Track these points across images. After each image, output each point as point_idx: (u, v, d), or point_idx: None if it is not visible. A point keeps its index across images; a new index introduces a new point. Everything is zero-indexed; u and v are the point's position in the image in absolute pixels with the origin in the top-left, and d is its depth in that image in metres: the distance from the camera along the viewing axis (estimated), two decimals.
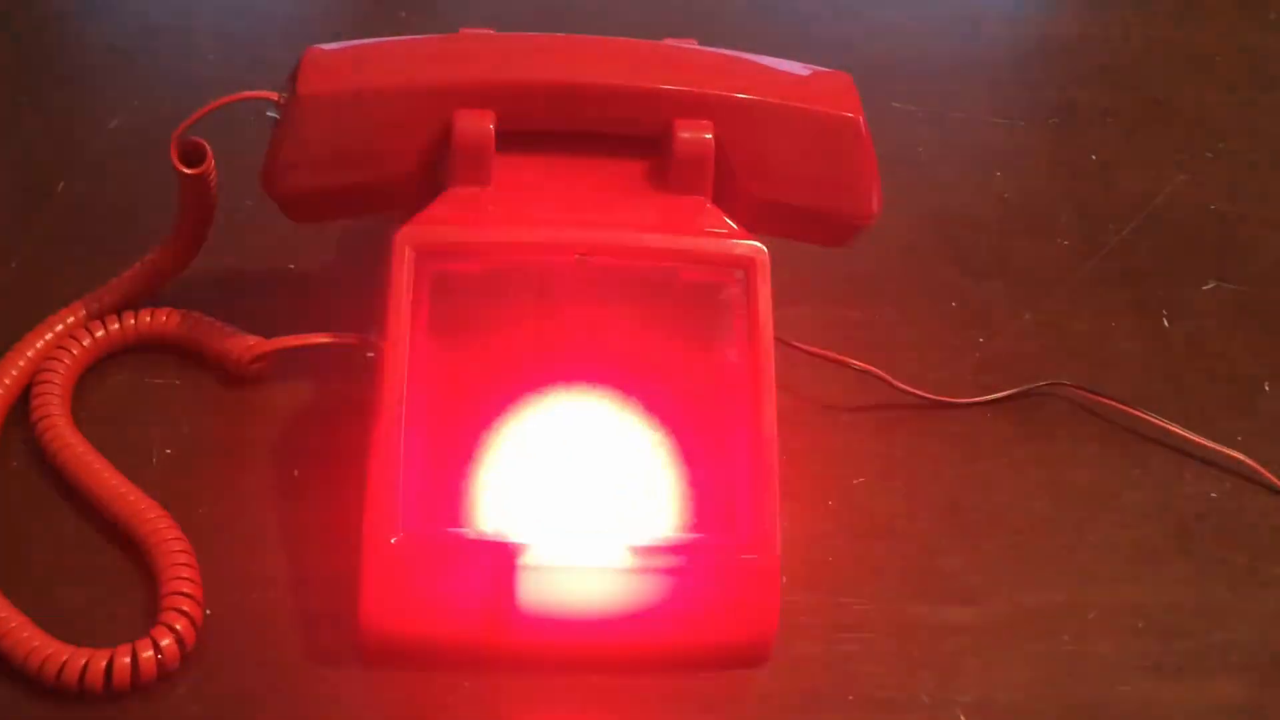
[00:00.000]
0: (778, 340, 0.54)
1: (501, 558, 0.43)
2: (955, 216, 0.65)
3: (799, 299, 0.59)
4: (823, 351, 0.55)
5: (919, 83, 0.72)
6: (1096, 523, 0.53)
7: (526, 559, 0.43)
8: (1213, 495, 0.54)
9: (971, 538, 0.52)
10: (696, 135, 0.46)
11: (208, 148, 0.49)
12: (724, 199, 0.48)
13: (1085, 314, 0.61)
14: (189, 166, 0.49)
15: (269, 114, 0.48)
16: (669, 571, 0.44)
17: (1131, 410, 0.56)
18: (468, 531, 0.43)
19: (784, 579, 0.48)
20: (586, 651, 0.45)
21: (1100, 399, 0.56)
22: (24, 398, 0.50)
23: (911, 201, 0.65)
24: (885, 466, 0.54)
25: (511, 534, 0.43)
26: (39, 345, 0.51)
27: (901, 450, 0.54)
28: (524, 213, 0.46)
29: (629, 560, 0.44)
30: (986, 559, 0.51)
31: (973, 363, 0.58)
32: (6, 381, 0.50)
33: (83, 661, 0.43)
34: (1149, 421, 0.56)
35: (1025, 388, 0.56)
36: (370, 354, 0.48)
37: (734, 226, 0.47)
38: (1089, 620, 0.49)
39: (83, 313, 0.52)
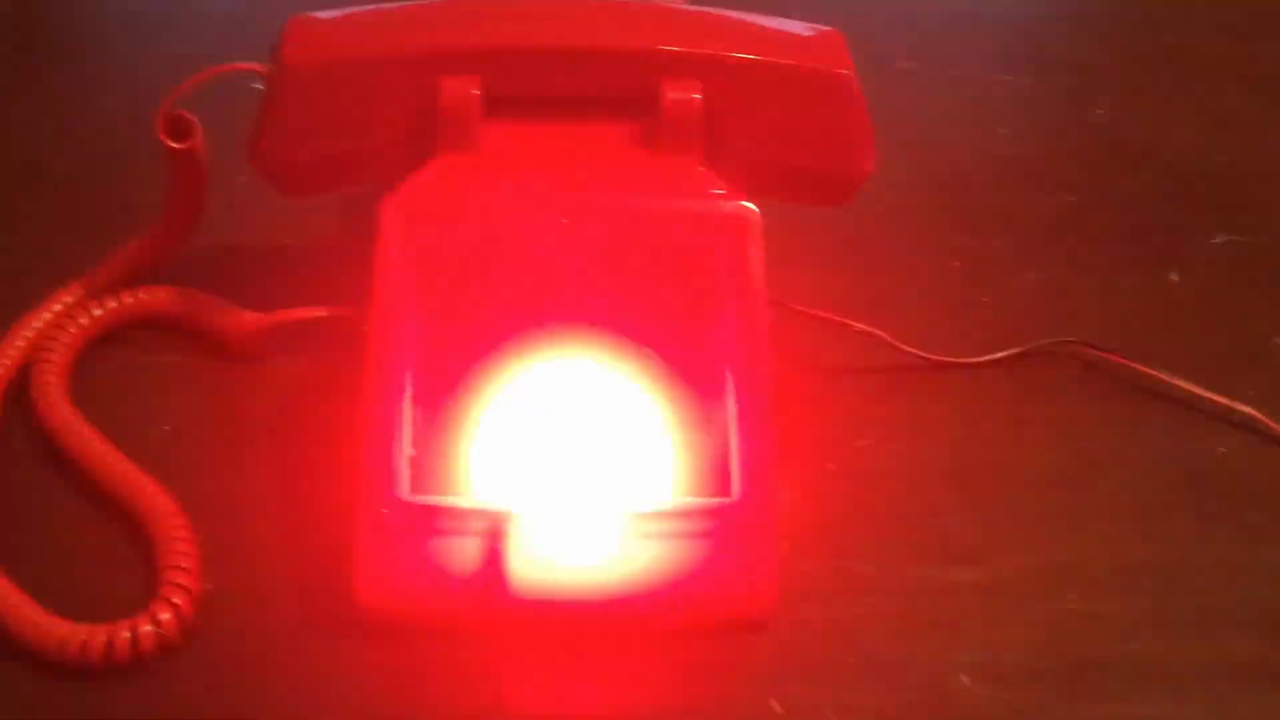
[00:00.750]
0: (776, 303, 0.53)
1: (495, 526, 0.43)
2: (957, 174, 0.64)
3: (798, 261, 0.58)
4: (822, 313, 0.55)
5: (922, 40, 0.71)
6: (1104, 481, 0.52)
7: (520, 527, 0.43)
8: (1221, 451, 0.53)
9: (976, 498, 0.51)
10: (685, 95, 0.46)
11: (195, 121, 0.49)
12: (715, 160, 0.47)
13: (1091, 270, 0.60)
14: (176, 141, 0.49)
15: (255, 85, 0.48)
16: (665, 537, 0.44)
17: (1139, 367, 0.55)
18: (460, 500, 0.43)
19: (785, 544, 0.48)
20: (584, 619, 0.45)
21: (1107, 356, 0.56)
22: (22, 377, 0.51)
23: (913, 160, 0.64)
24: (887, 428, 0.53)
25: (504, 502, 0.43)
26: (37, 325, 0.51)
27: (904, 412, 0.54)
28: (512, 178, 0.46)
29: (625, 526, 0.43)
30: (991, 519, 0.50)
31: (976, 322, 0.57)
32: (5, 361, 0.50)
33: (82, 638, 0.43)
34: (1156, 378, 0.55)
35: (1030, 346, 0.56)
36: (365, 326, 0.48)
37: (725, 188, 0.47)
38: (1096, 579, 0.49)
39: (80, 292, 0.52)
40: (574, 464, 0.44)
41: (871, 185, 0.53)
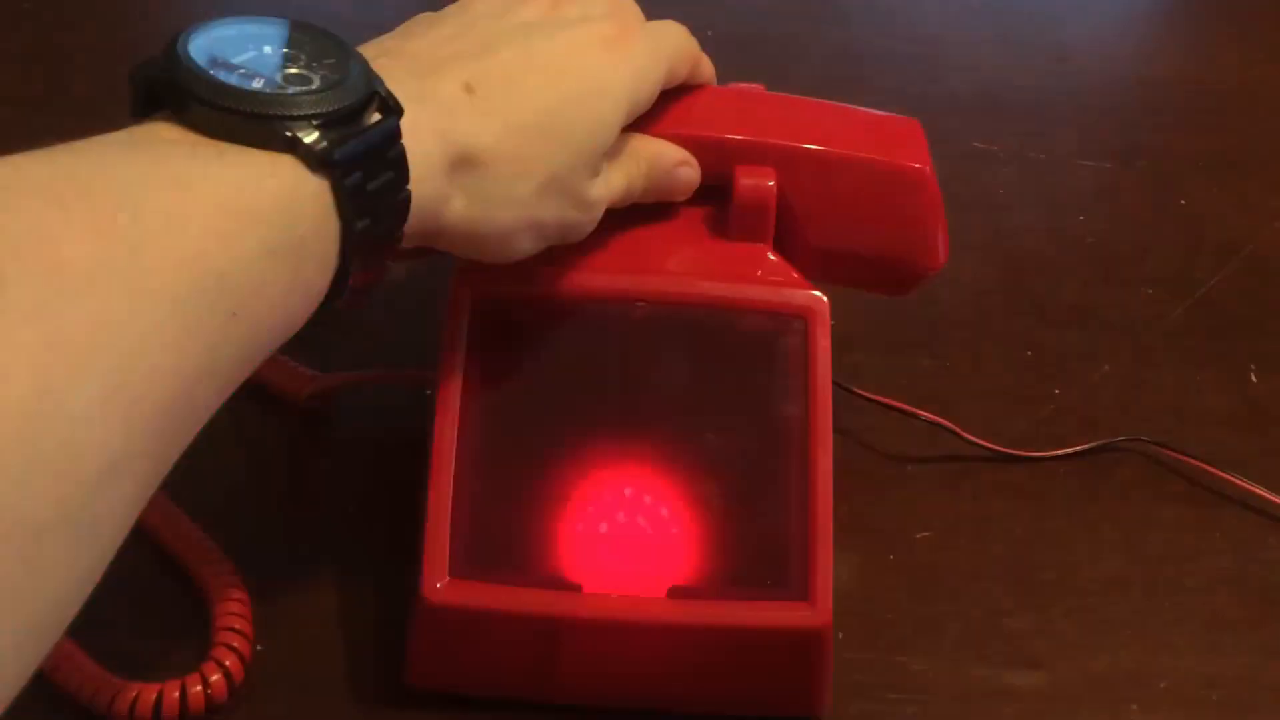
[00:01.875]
0: (842, 388, 0.53)
1: (551, 606, 0.43)
2: (1034, 261, 0.63)
3: (866, 344, 0.58)
4: (889, 400, 0.54)
5: (1001, 120, 0.71)
6: (1171, 588, 0.51)
7: (576, 608, 0.43)
8: None
9: (1039, 599, 0.50)
10: (758, 183, 0.46)
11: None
12: (787, 246, 0.47)
13: (1168, 367, 0.59)
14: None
15: None
16: (720, 624, 0.43)
17: (1213, 470, 0.54)
18: (516, 578, 0.43)
19: (840, 635, 0.47)
20: (636, 704, 0.45)
21: (1180, 457, 0.54)
22: None
23: (988, 245, 0.64)
24: (950, 521, 0.52)
25: (561, 582, 0.43)
26: None
27: (968, 505, 0.53)
28: (582, 258, 0.46)
29: (680, 612, 0.43)
30: (1054, 622, 0.49)
31: (1046, 415, 0.56)
32: None
33: (134, 694, 0.43)
34: (1231, 482, 0.54)
35: (1101, 443, 0.55)
36: (428, 391, 0.48)
37: (795, 275, 0.46)
38: (1159, 690, 0.48)
39: None
40: (630, 546, 0.44)
41: (944, 270, 0.52)
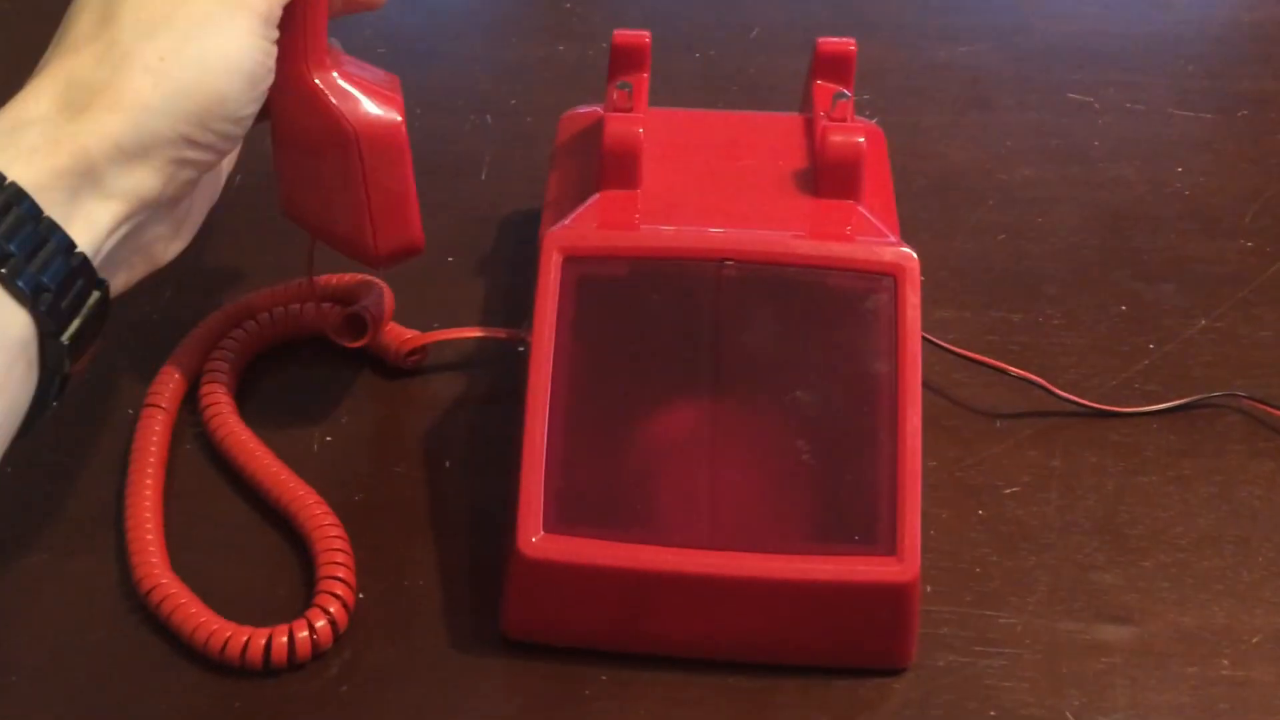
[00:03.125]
0: (932, 343, 0.53)
1: (642, 561, 0.44)
2: (1129, 214, 0.62)
3: (957, 299, 0.58)
4: (980, 356, 0.54)
5: (1097, 69, 0.69)
6: (1265, 543, 0.50)
7: (667, 563, 0.44)
8: None
9: (1129, 554, 0.50)
10: (847, 139, 0.46)
11: (369, 321, 0.52)
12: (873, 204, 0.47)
13: (1266, 321, 0.58)
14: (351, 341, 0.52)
15: None
16: (808, 579, 0.44)
17: None
18: (609, 533, 0.44)
19: (927, 588, 0.47)
20: (723, 653, 0.46)
21: (1277, 413, 0.54)
22: (195, 385, 0.53)
23: (1083, 198, 0.63)
24: (1040, 476, 0.52)
25: (652, 537, 0.44)
26: (209, 335, 0.54)
27: (1059, 460, 0.53)
28: (672, 216, 0.46)
29: (768, 567, 0.44)
30: (1144, 577, 0.49)
31: (1140, 370, 0.56)
32: (179, 372, 0.53)
33: (244, 639, 0.45)
34: None
35: (1196, 399, 0.54)
36: (521, 348, 0.49)
37: (885, 231, 0.46)
38: (1251, 645, 0.47)
39: (249, 305, 0.55)
40: (721, 502, 0.45)
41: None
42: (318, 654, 0.46)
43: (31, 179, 0.37)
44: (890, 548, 0.44)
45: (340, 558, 0.47)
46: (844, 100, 0.47)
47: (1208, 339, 0.57)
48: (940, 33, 0.69)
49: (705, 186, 0.46)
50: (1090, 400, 0.54)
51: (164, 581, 0.47)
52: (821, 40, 0.49)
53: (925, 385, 0.45)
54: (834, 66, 0.50)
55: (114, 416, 0.53)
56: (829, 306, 0.46)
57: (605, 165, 0.47)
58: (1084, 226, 0.62)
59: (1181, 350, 0.57)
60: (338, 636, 0.46)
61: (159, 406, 0.52)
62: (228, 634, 0.45)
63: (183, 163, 0.41)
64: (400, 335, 0.54)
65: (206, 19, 0.40)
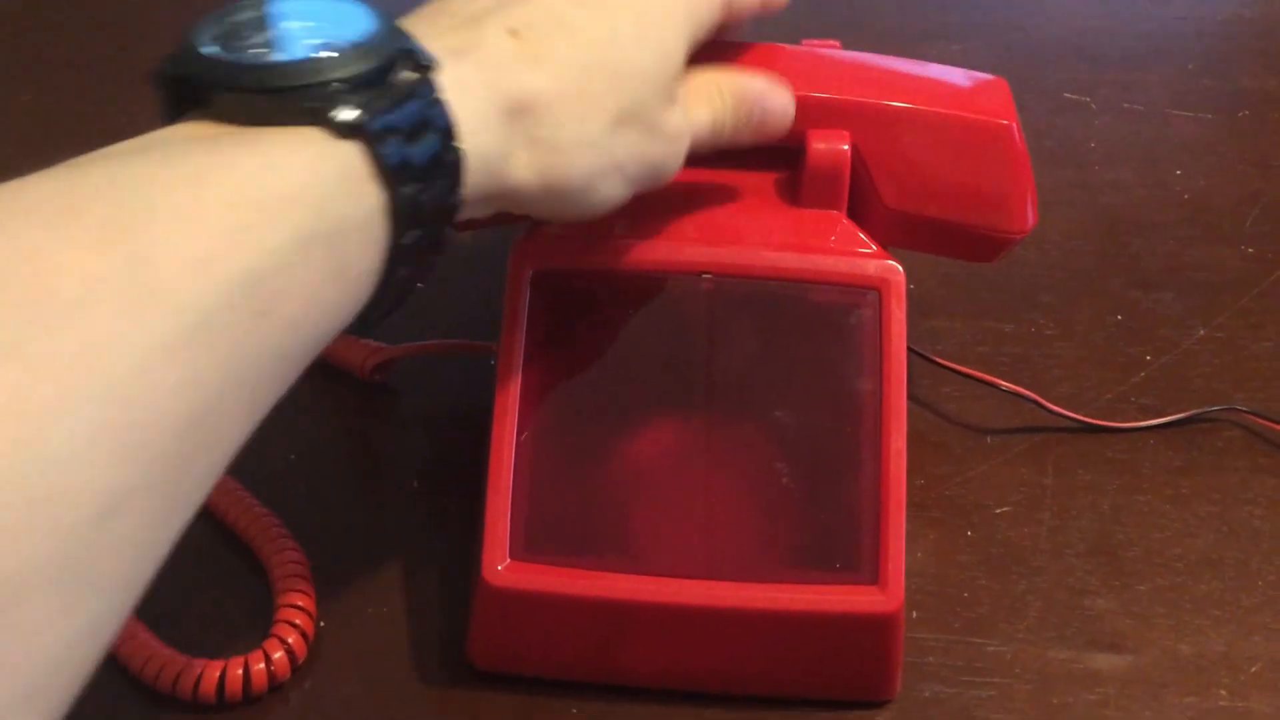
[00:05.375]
0: (920, 355, 0.51)
1: (614, 589, 0.42)
2: (1126, 219, 0.61)
3: (945, 309, 0.56)
4: (969, 370, 0.52)
5: (1094, 69, 0.67)
6: (1266, 566, 0.49)
7: (639, 592, 0.42)
8: None
9: (1124, 577, 0.48)
10: (832, 146, 0.44)
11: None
12: (862, 212, 0.45)
13: (1267, 331, 0.56)
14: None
15: None
16: (786, 610, 0.42)
17: None
18: (579, 560, 0.42)
19: (913, 614, 0.46)
20: (698, 684, 0.44)
21: (1278, 427, 0.52)
22: None
23: (1078, 202, 0.61)
24: (1032, 495, 0.50)
25: (624, 565, 0.42)
26: None
27: (1051, 478, 0.51)
28: (647, 228, 0.44)
29: (744, 597, 0.42)
30: (1139, 601, 0.47)
31: (1137, 383, 0.54)
32: None
33: (197, 671, 0.43)
34: None
35: (1194, 413, 0.52)
36: (493, 362, 0.47)
37: (869, 243, 0.45)
38: (1250, 674, 0.46)
39: None
40: (696, 530, 0.43)
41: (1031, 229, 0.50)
42: (275, 687, 0.44)
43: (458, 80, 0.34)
44: (873, 576, 0.42)
45: (300, 585, 0.45)
46: None
47: (1207, 350, 0.55)
48: (931, 31, 0.67)
49: (684, 195, 0.44)
50: (1084, 415, 0.52)
51: None
52: (806, 42, 0.47)
53: (912, 398, 0.43)
54: None
55: None
56: (811, 322, 0.44)
57: None
58: (1079, 232, 0.60)
59: (1179, 362, 0.55)
60: (296, 668, 0.44)
61: None
62: (180, 666, 0.43)
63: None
64: (366, 349, 0.52)
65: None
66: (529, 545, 0.42)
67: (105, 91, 0.66)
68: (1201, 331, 0.56)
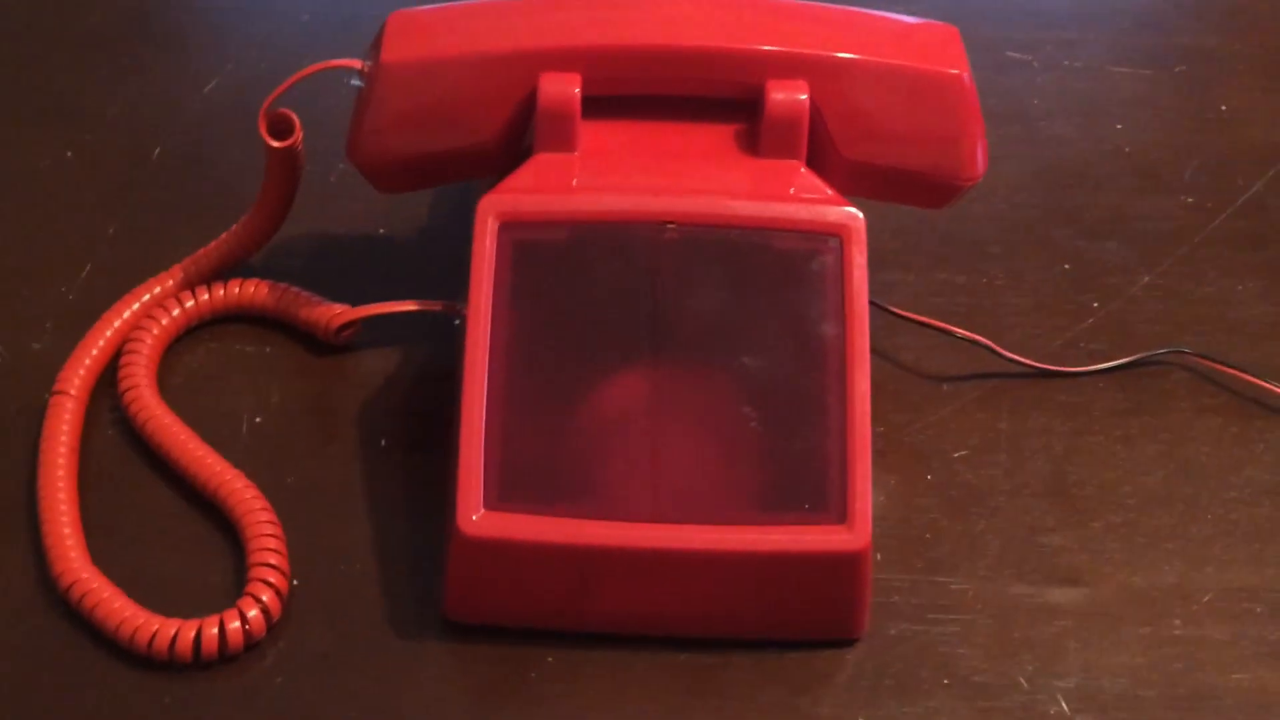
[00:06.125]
0: (877, 306, 0.52)
1: (587, 536, 0.42)
2: (1070, 172, 0.62)
3: (900, 262, 0.57)
4: (925, 318, 0.53)
5: (1036, 29, 0.69)
6: (1214, 500, 0.50)
7: (612, 537, 0.42)
8: None
9: (1078, 515, 0.49)
10: (790, 96, 0.45)
11: (296, 120, 0.49)
12: (819, 162, 0.46)
13: (1209, 277, 0.58)
14: (277, 139, 0.48)
15: (353, 82, 0.47)
16: (757, 550, 0.43)
17: (1256, 381, 0.53)
18: (551, 509, 0.43)
19: (878, 555, 0.47)
20: (673, 629, 0.45)
21: (1223, 369, 0.53)
22: (113, 366, 0.51)
23: (1023, 156, 0.62)
24: (988, 438, 0.51)
25: (596, 511, 0.43)
26: (127, 315, 0.52)
27: (1006, 422, 0.52)
28: (611, 179, 0.45)
29: (716, 539, 0.43)
30: (1094, 537, 0.49)
31: (1085, 329, 0.55)
32: (94, 352, 0.50)
33: (172, 632, 0.43)
34: (1274, 393, 0.53)
35: (1141, 356, 0.54)
36: (458, 321, 0.47)
37: (829, 191, 0.45)
38: (1202, 604, 0.47)
39: (170, 283, 0.53)
40: (665, 472, 0.43)
41: (979, 183, 0.51)
42: (251, 645, 0.44)
43: None
44: (840, 516, 0.43)
45: (272, 543, 0.45)
46: None
47: (1151, 296, 0.57)
48: None
49: (645, 147, 0.45)
50: (1036, 360, 0.53)
51: (84, 576, 0.44)
52: None
53: (871, 350, 0.44)
54: None
55: (29, 404, 0.50)
56: (774, 269, 0.45)
57: (541, 126, 0.45)
58: (1025, 185, 0.61)
59: (1125, 308, 0.56)
60: (271, 626, 0.44)
61: (67, 394, 0.49)
62: (155, 627, 0.43)
63: None
64: (330, 310, 0.52)
65: None
66: (502, 495, 0.42)
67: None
68: (1146, 279, 0.57)
